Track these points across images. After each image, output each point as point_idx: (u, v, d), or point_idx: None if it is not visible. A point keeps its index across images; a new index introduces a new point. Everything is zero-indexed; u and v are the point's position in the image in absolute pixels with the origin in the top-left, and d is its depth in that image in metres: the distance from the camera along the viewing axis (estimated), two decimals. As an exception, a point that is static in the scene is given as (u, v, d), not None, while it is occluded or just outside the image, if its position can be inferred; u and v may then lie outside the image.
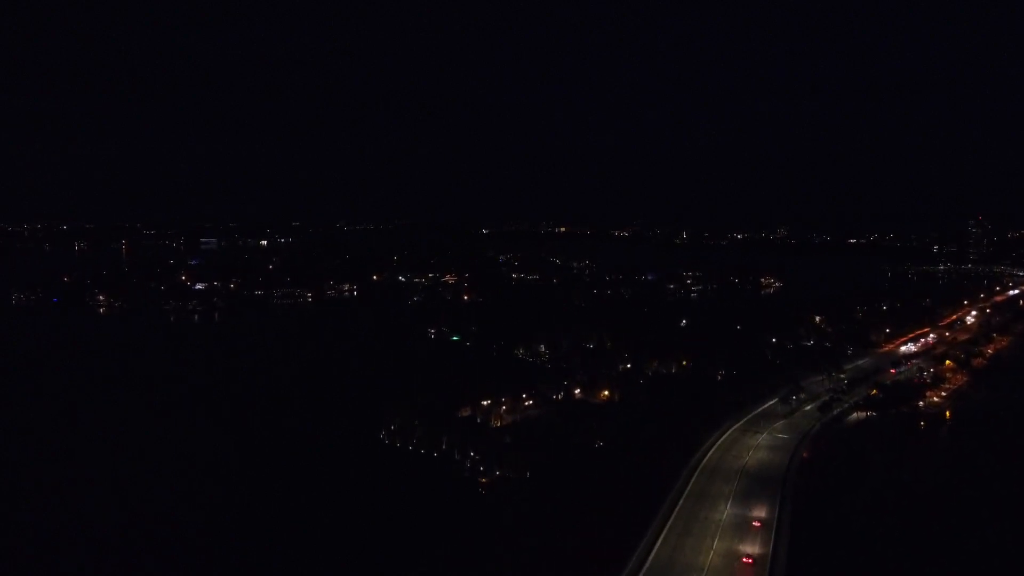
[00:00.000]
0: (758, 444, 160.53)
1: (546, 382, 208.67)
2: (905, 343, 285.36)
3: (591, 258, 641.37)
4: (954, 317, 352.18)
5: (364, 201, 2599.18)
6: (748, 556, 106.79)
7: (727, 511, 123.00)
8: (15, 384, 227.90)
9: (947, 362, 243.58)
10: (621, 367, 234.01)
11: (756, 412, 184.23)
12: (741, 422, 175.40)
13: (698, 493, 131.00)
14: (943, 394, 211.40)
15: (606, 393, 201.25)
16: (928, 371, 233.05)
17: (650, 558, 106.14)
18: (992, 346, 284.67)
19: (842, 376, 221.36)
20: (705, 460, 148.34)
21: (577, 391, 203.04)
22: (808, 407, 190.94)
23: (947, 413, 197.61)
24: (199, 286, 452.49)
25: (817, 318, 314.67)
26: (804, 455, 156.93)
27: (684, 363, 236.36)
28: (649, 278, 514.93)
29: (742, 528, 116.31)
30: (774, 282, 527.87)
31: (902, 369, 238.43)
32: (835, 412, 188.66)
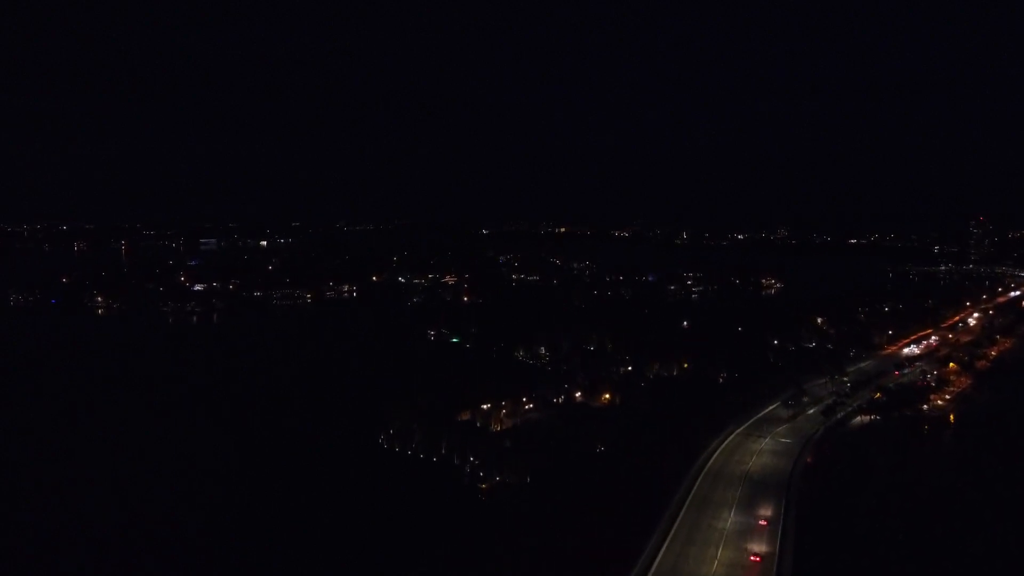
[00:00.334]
0: (761, 449, 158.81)
1: (546, 385, 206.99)
2: (908, 345, 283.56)
3: (591, 258, 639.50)
4: (956, 318, 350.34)
5: (364, 201, 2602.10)
6: (755, 555, 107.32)
7: (731, 518, 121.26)
8: (15, 384, 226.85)
9: (951, 364, 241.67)
10: (622, 369, 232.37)
11: (759, 416, 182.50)
12: (744, 426, 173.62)
13: (701, 499, 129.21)
14: (947, 397, 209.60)
15: (607, 396, 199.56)
16: (932, 374, 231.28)
17: (654, 566, 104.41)
18: (995, 348, 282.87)
19: (845, 379, 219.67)
20: (708, 465, 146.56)
21: (578, 394, 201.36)
22: (811, 411, 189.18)
23: (951, 417, 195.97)
24: (198, 287, 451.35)
25: (819, 319, 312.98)
26: (808, 460, 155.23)
27: (685, 365, 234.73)
28: (649, 279, 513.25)
29: (746, 537, 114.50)
30: (775, 283, 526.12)
31: (905, 371, 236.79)
32: (839, 416, 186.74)
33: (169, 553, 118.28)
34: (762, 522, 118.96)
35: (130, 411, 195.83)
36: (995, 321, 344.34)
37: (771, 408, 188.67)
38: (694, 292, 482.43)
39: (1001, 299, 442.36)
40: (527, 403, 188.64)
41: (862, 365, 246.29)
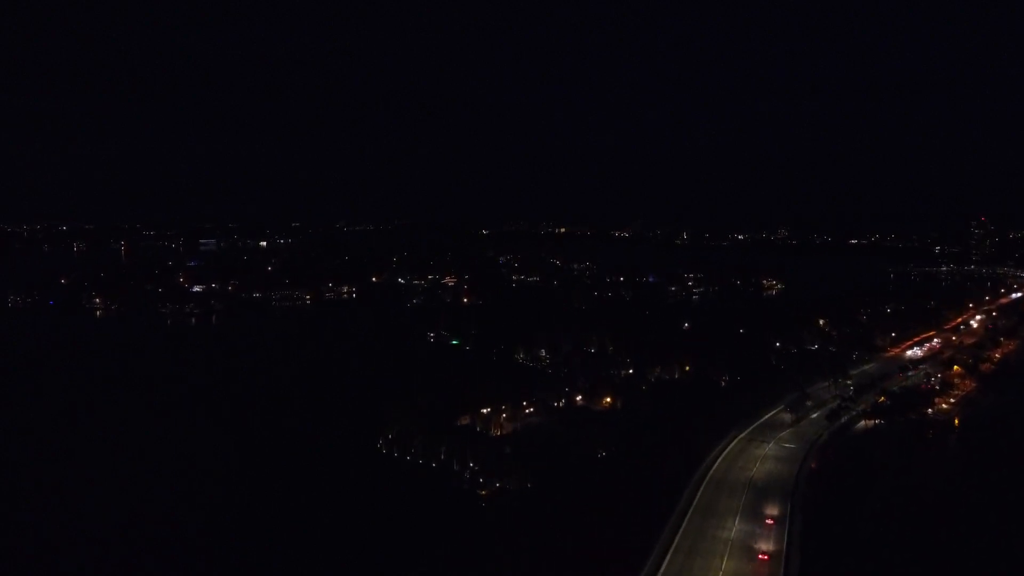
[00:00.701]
0: (765, 454, 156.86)
1: (547, 388, 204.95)
2: (911, 347, 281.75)
3: (591, 259, 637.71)
4: (959, 320, 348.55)
5: (364, 201, 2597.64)
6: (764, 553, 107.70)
7: (735, 527, 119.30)
8: (15, 385, 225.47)
9: (954, 367, 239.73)
10: (623, 372, 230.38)
11: (762, 420, 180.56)
12: (747, 431, 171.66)
13: (705, 507, 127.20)
14: (952, 400, 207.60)
15: (608, 399, 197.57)
16: (936, 377, 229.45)
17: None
18: (999, 350, 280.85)
19: (848, 382, 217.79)
20: (711, 471, 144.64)
21: (578, 397, 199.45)
22: (815, 415, 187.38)
23: (956, 420, 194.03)
24: (197, 288, 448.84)
25: (821, 321, 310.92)
26: (812, 466, 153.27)
27: (687, 368, 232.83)
28: (650, 279, 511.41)
29: (751, 548, 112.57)
30: (776, 283, 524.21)
31: (909, 375, 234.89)
32: (843, 420, 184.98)
33: (169, 553, 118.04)
34: (768, 520, 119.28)
35: (130, 411, 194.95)
36: (998, 323, 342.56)
37: (774, 412, 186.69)
38: (695, 293, 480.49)
39: (1003, 300, 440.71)
40: (527, 407, 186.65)
41: (865, 368, 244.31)
